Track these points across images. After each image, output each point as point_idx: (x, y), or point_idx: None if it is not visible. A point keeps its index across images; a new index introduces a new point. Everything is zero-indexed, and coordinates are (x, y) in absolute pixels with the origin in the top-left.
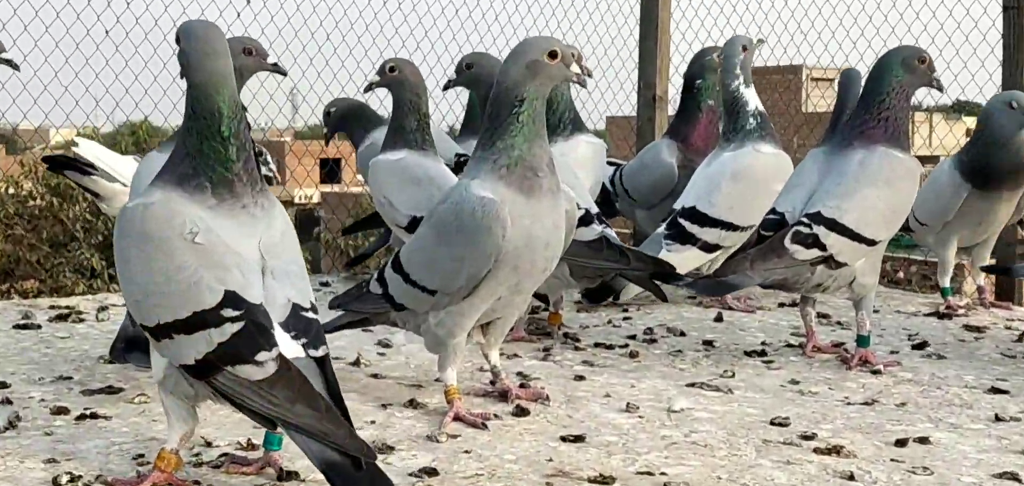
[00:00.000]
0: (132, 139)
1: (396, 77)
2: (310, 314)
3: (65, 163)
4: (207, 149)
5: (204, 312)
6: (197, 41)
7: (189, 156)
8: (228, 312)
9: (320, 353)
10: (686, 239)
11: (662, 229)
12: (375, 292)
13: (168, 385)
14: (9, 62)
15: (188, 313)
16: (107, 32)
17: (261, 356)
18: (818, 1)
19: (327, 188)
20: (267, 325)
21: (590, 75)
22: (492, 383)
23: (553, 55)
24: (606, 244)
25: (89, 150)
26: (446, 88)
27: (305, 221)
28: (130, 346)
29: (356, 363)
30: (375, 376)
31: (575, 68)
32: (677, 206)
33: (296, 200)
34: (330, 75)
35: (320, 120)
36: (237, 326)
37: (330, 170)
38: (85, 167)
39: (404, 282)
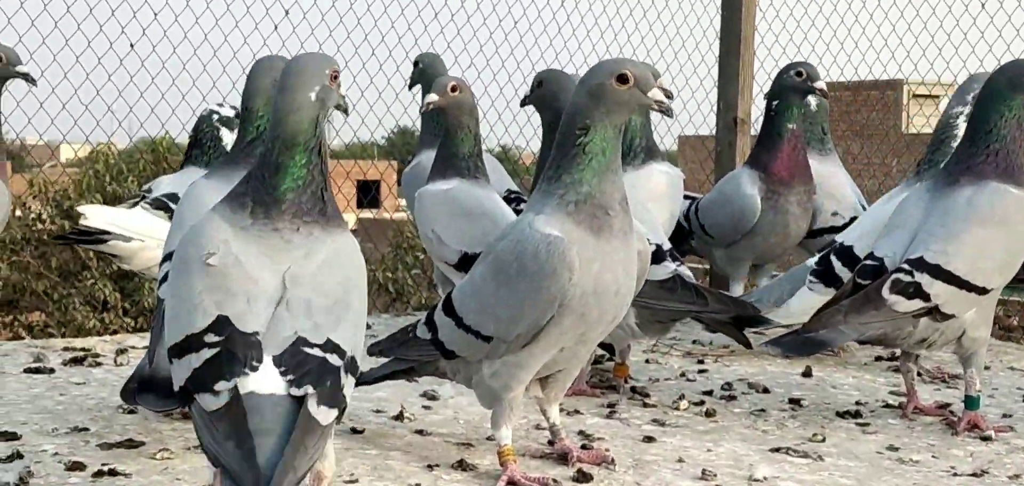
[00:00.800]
0: (151, 155)
1: (457, 98)
2: (317, 351)
3: (77, 237)
4: (262, 169)
5: (190, 336)
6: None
7: (249, 174)
8: (210, 337)
9: (300, 392)
10: (832, 281)
11: (811, 263)
12: (423, 337)
13: None
14: (26, 76)
15: (181, 336)
16: (132, 46)
17: (219, 386)
18: (921, 10)
19: (365, 214)
20: (242, 355)
21: (672, 99)
22: (551, 443)
23: (623, 79)
24: (680, 284)
25: (98, 217)
26: (523, 104)
27: None
28: (143, 387)
29: (399, 417)
30: (420, 432)
31: (655, 93)
32: (842, 241)
33: None
34: (375, 93)
35: (358, 138)
36: (211, 352)
37: (368, 194)
38: (98, 235)
39: (456, 327)
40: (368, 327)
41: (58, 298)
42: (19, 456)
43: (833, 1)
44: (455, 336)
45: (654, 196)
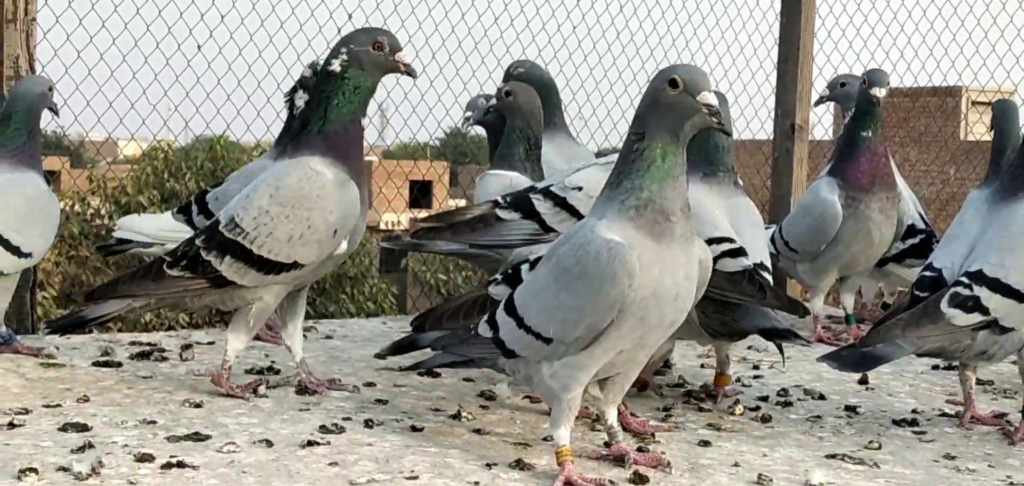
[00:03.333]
0: (208, 153)
1: (510, 103)
2: None
3: (120, 247)
4: None
5: None
6: None
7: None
8: None
9: None
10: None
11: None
12: (484, 335)
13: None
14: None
15: None
16: (199, 47)
17: None
18: (982, 17)
19: (417, 213)
20: None
21: (723, 101)
22: (607, 445)
23: (673, 84)
24: (747, 277)
25: (134, 226)
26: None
27: (390, 249)
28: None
29: (457, 416)
30: (478, 431)
31: (704, 98)
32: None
33: (382, 225)
34: (434, 96)
35: (413, 135)
36: None
37: (420, 192)
38: (142, 243)
39: (517, 327)
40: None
41: None
42: (90, 446)
43: (892, 8)
44: (516, 336)
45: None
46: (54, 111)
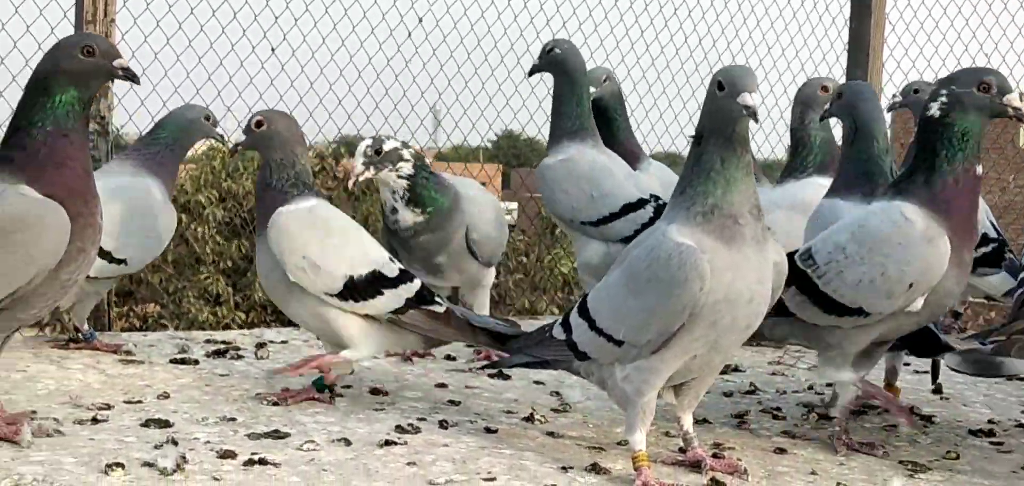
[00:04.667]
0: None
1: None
2: None
3: None
4: None
5: None
6: None
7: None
8: None
9: None
10: None
11: None
12: (558, 337)
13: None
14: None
15: None
16: (273, 50)
17: None
18: None
19: None
20: None
21: (758, 98)
22: (682, 451)
23: (719, 86)
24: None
25: None
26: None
27: None
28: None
29: (530, 419)
30: (551, 434)
31: (748, 99)
32: None
33: None
34: (478, 83)
35: (464, 136)
36: None
37: None
38: None
39: (590, 329)
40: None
41: (173, 290)
42: (173, 443)
43: (964, 14)
44: (588, 338)
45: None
46: (219, 139)
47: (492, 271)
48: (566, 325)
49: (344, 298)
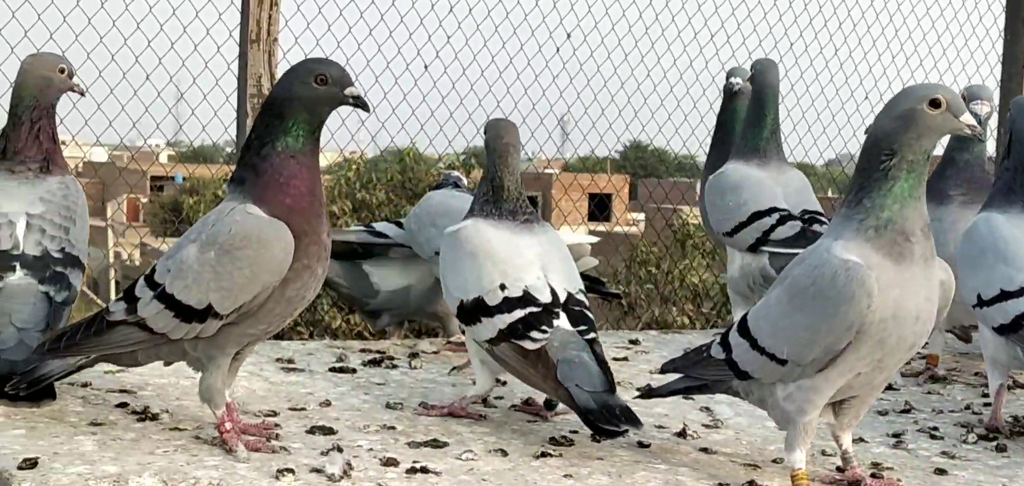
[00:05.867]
0: (398, 164)
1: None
2: None
3: None
4: None
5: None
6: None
7: None
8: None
9: None
10: None
11: None
12: (717, 356)
13: None
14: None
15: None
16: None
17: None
18: None
19: (598, 227)
20: None
21: (982, 123)
22: (840, 470)
23: (935, 104)
24: None
25: None
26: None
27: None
28: None
29: (681, 435)
30: (704, 450)
31: (967, 118)
32: None
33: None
34: (607, 96)
35: (592, 149)
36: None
37: (599, 206)
38: None
39: (751, 348)
40: (637, 342)
41: None
42: (338, 449)
43: None
44: (749, 357)
45: None
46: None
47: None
48: (725, 344)
49: (461, 321)
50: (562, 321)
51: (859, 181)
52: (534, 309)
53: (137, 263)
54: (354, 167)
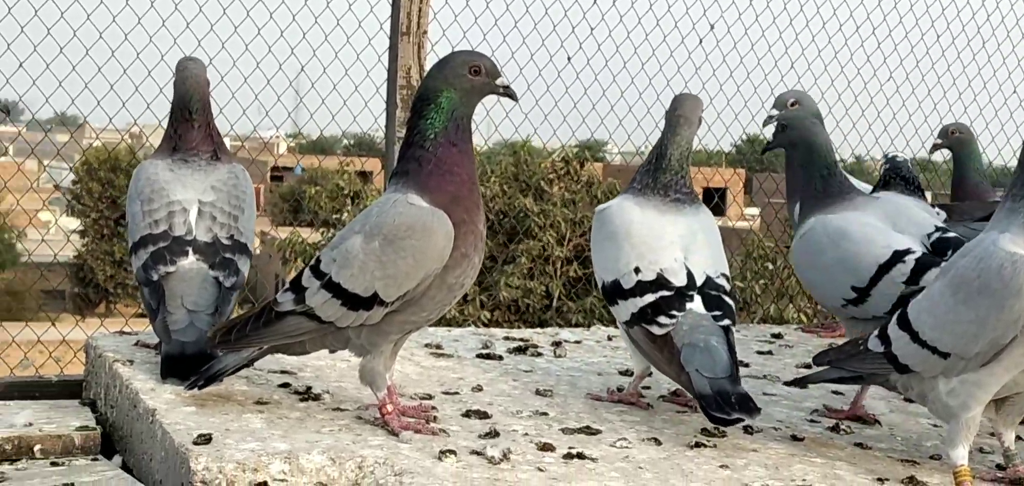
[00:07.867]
0: (511, 158)
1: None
2: None
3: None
4: None
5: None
6: None
7: None
8: None
9: None
10: None
11: None
12: (875, 350)
13: None
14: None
15: None
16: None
17: None
18: None
19: None
20: None
21: None
22: (1001, 467)
23: None
24: None
25: None
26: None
27: None
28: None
29: (835, 429)
30: (859, 445)
31: None
32: None
33: None
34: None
35: (700, 142)
36: None
37: (712, 202)
38: None
39: (912, 341)
40: (780, 336)
41: None
42: (495, 434)
43: None
44: (910, 350)
45: None
46: None
47: None
48: (884, 337)
49: (606, 301)
50: (696, 304)
51: (1023, 176)
52: (665, 293)
53: (257, 251)
54: None
